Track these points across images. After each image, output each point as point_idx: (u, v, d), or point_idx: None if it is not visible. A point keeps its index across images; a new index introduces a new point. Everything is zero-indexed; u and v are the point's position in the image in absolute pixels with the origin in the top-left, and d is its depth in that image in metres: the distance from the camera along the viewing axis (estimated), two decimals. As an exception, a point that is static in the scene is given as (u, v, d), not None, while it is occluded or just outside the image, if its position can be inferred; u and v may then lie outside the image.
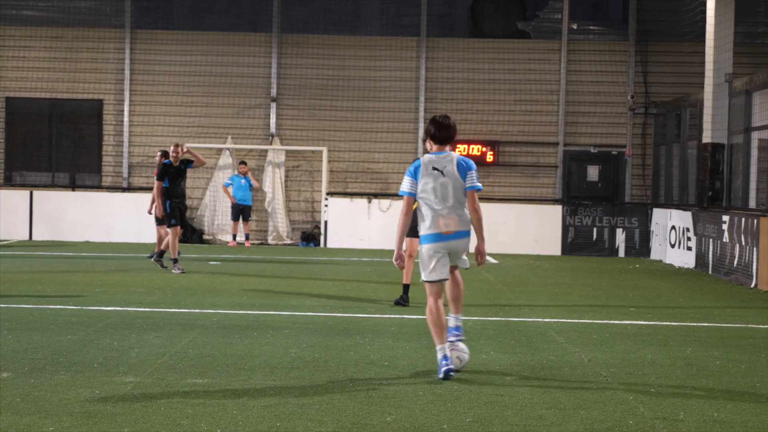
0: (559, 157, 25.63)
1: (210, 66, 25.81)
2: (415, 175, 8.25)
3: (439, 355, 8.12)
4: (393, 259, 8.38)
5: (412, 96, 25.74)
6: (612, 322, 11.99)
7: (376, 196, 24.70)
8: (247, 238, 24.60)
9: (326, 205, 24.53)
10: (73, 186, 25.48)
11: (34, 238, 24.13)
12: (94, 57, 25.78)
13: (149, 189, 25.38)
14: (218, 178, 25.45)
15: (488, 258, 12.55)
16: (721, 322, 12.35)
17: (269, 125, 25.70)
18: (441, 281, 8.26)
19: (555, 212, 24.20)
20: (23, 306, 12.04)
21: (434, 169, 8.21)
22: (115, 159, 25.82)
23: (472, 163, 8.38)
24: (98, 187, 25.63)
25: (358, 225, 24.41)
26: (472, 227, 8.31)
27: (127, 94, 25.67)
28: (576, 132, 25.67)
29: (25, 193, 24.33)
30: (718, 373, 8.79)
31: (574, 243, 24.07)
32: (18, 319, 10.89)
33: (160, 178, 16.87)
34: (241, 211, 24.49)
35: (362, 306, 12.93)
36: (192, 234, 25.17)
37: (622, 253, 23.91)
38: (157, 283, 15.11)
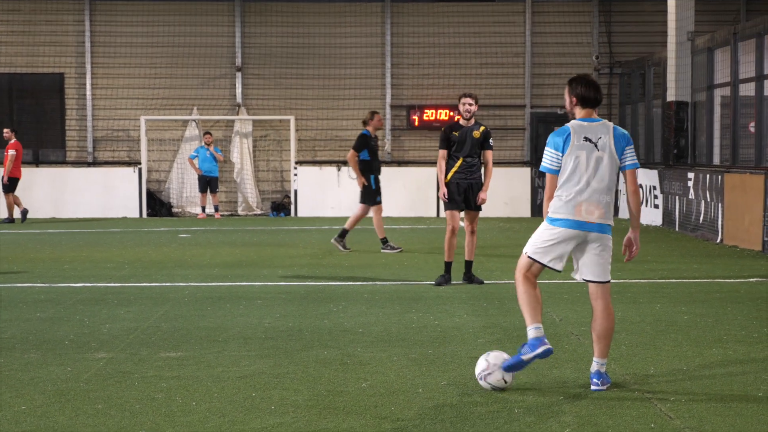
0: (527, 120, 25.66)
1: (173, 36, 25.54)
2: (563, 147, 6.65)
3: (533, 333, 6.56)
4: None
5: (378, 62, 25.64)
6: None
7: (345, 163, 24.65)
8: (216, 209, 24.51)
9: (295, 174, 24.46)
10: (36, 162, 25.23)
11: (2, 215, 23.88)
12: (54, 30, 25.43)
13: (114, 163, 25.23)
14: (185, 151, 25.27)
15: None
16: (688, 277, 12.48)
17: (235, 95, 25.54)
18: (545, 268, 6.70)
19: (524, 175, 24.30)
20: (-8, 285, 11.95)
21: (587, 139, 6.65)
22: (78, 133, 25.56)
23: (629, 135, 6.83)
24: (63, 162, 25.39)
25: (328, 193, 24.37)
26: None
27: (88, 66, 25.36)
28: (542, 94, 25.69)
29: (-11, 170, 24.07)
30: (686, 328, 8.90)
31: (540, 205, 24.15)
32: (-13, 298, 10.81)
33: (357, 149, 15.34)
34: (208, 183, 24.37)
35: (334, 274, 12.94)
36: (161, 207, 25.05)
37: (590, 213, 24.00)
38: (127, 257, 15.04)
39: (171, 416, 6.06)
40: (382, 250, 15.51)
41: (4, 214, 22.83)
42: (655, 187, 20.54)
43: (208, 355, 7.79)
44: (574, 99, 6.75)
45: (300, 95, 25.61)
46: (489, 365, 6.61)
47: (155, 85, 25.52)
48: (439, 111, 25.20)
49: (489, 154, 11.98)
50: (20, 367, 7.38)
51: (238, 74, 25.49)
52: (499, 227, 21.01)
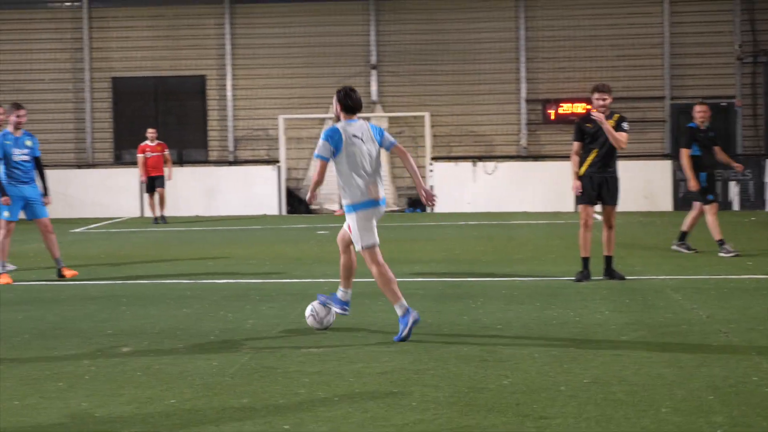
0: (667, 111, 25.04)
1: (309, 36, 25.91)
2: (338, 145, 8.33)
3: (401, 311, 8.30)
4: (307, 198, 8.77)
5: (512, 56, 25.43)
6: (729, 276, 11.70)
7: (480, 158, 24.54)
8: (352, 206, 24.71)
9: (431, 170, 24.47)
10: (181, 161, 25.94)
11: (146, 214, 24.65)
12: (195, 33, 26.14)
13: (255, 162, 25.72)
14: (322, 148, 25.57)
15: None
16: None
17: (370, 93, 25.72)
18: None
19: (665, 168, 23.70)
20: (139, 282, 12.33)
21: (354, 136, 8.38)
22: (220, 133, 26.20)
23: (379, 127, 8.71)
24: (205, 161, 26.05)
25: (464, 188, 24.30)
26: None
27: (229, 68, 25.97)
28: (682, 85, 25.04)
29: (135, 170, 24.78)
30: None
31: (687, 198, 23.53)
32: (135, 295, 11.15)
33: (686, 145, 13.97)
34: (345, 180, 24.58)
35: (471, 270, 12.88)
36: (299, 204, 25.44)
37: (736, 206, 23.31)
38: (268, 254, 15.30)
39: (314, 411, 6.11)
40: (720, 254, 13.91)
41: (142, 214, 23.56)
42: (804, 179, 19.75)
43: (349, 351, 7.84)
44: (339, 106, 8.49)
45: (434, 91, 25.62)
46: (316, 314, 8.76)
47: (292, 85, 25.93)
48: (575, 104, 24.83)
49: (622, 135, 11.53)
50: (169, 361, 7.57)
51: (373, 72, 25.66)
52: (639, 222, 20.55)
